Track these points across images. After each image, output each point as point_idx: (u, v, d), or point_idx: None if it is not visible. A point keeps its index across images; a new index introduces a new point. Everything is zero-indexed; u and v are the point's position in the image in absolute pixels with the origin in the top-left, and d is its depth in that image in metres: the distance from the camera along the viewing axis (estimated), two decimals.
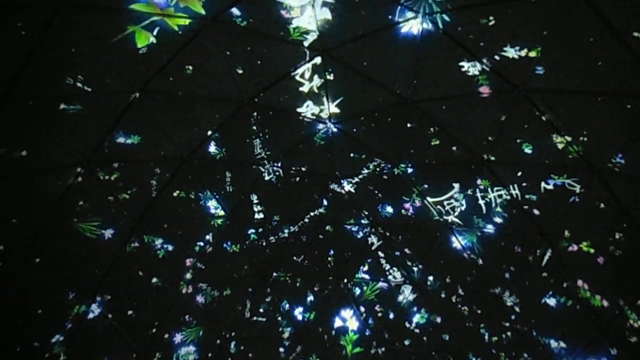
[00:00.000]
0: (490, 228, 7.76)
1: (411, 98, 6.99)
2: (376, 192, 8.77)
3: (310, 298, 9.41)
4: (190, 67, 6.41)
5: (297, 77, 6.92)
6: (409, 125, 7.51)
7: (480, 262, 8.08)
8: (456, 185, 7.80)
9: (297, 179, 8.89)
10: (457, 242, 8.16)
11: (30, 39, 4.84)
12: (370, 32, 6.28)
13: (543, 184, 6.76)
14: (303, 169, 8.82)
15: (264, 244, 9.20)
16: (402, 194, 8.47)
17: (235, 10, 5.95)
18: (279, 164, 8.49)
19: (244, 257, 9.05)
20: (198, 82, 6.68)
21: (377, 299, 9.14)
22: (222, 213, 8.44)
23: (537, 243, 7.22)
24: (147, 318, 7.82)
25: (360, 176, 8.57)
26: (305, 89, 7.04)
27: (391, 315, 9.05)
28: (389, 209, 8.79)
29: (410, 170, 8.18)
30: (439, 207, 8.11)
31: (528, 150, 6.65)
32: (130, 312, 7.54)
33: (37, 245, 6.21)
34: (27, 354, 6.35)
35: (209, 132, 7.55)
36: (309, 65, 6.77)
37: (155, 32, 5.58)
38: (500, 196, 7.40)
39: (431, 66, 6.51)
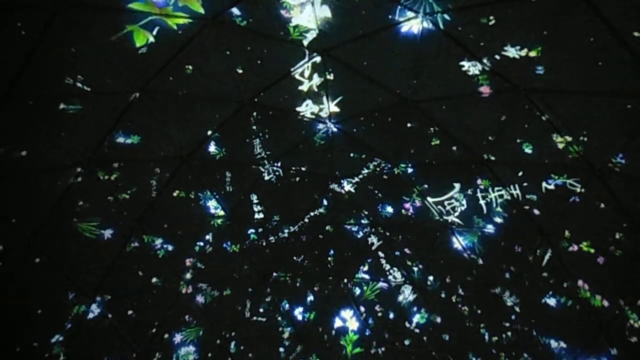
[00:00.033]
0: (490, 228, 7.76)
1: (411, 98, 6.99)
2: (376, 192, 8.77)
3: (310, 298, 9.41)
4: (190, 67, 6.40)
5: (297, 76, 6.91)
6: (409, 125, 7.51)
7: (481, 262, 8.07)
8: (457, 185, 7.80)
9: (297, 179, 8.89)
10: (458, 242, 8.16)
11: (30, 39, 4.83)
12: (370, 32, 6.28)
13: (544, 184, 6.76)
14: (303, 169, 8.82)
15: (264, 244, 9.20)
16: (402, 193, 8.47)
17: (235, 10, 5.95)
18: (279, 164, 8.49)
19: (244, 257, 9.05)
20: (198, 82, 6.68)
21: (377, 299, 9.14)
22: (222, 213, 8.44)
23: (537, 243, 7.22)
24: (147, 318, 7.82)
25: (360, 176, 8.57)
26: (304, 87, 7.04)
27: (391, 315, 9.05)
28: (389, 209, 8.79)
29: (410, 170, 8.18)
30: (439, 207, 8.11)
31: (528, 150, 6.65)
32: (130, 312, 7.54)
33: (37, 245, 6.20)
34: (27, 354, 6.35)
35: (209, 132, 7.55)
36: (309, 63, 6.77)
37: (155, 32, 5.57)
38: (500, 196, 7.40)
39: (431, 66, 6.50)
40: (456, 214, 7.99)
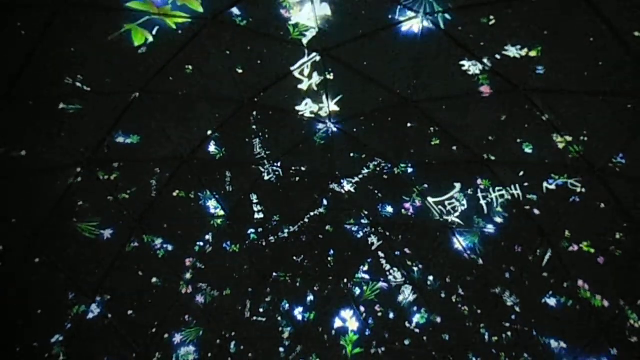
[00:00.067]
0: (490, 228, 7.76)
1: (411, 98, 6.99)
2: (376, 192, 8.77)
3: (310, 298, 9.41)
4: (190, 67, 6.40)
5: (297, 74, 6.90)
6: (409, 125, 7.51)
7: (481, 262, 8.07)
8: (457, 185, 7.80)
9: (297, 179, 8.89)
10: (458, 242, 8.16)
11: (30, 39, 4.84)
12: (371, 32, 6.28)
13: (545, 184, 6.75)
14: (303, 169, 8.81)
15: (264, 244, 9.20)
16: (402, 193, 8.47)
17: (235, 10, 5.95)
18: (279, 164, 8.49)
19: (244, 257, 9.05)
20: (198, 82, 6.68)
21: (377, 299, 9.13)
22: (222, 213, 8.44)
23: (538, 243, 7.22)
24: (147, 318, 7.81)
25: (360, 176, 8.57)
26: (304, 86, 7.03)
27: (391, 315, 9.05)
28: (389, 209, 8.79)
29: (410, 170, 8.18)
30: (439, 207, 8.11)
31: (528, 150, 6.65)
32: (130, 312, 7.53)
33: (37, 245, 6.20)
34: (26, 354, 6.34)
35: (209, 132, 7.55)
36: (309, 63, 6.76)
37: (154, 32, 5.57)
38: (501, 196, 7.40)
39: (431, 66, 6.50)
40: (456, 214, 7.99)
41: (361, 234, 9.20)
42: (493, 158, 7.20)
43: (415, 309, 8.83)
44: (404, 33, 6.14)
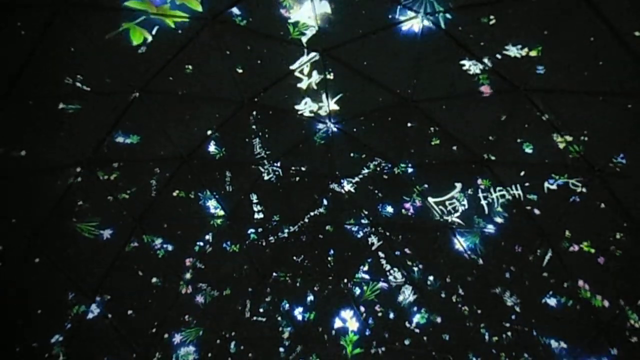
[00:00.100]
0: (490, 228, 7.76)
1: (411, 98, 6.98)
2: (376, 192, 8.76)
3: (310, 298, 9.40)
4: (190, 67, 6.40)
5: (297, 73, 6.90)
6: (409, 125, 7.51)
7: (481, 262, 8.07)
8: (458, 185, 7.80)
9: (297, 179, 8.88)
10: (458, 242, 8.15)
11: (30, 39, 4.84)
12: (371, 31, 6.27)
13: (546, 184, 6.75)
14: (303, 169, 8.81)
15: (264, 244, 9.20)
16: (402, 193, 8.47)
17: (235, 10, 5.95)
18: (279, 164, 8.49)
19: (244, 257, 9.05)
20: (198, 82, 6.68)
21: (377, 299, 9.13)
22: (222, 213, 8.44)
23: (538, 243, 7.22)
24: (147, 318, 7.81)
25: (360, 176, 8.57)
26: (303, 85, 7.03)
27: (391, 316, 9.04)
28: (389, 209, 8.79)
29: (410, 170, 8.18)
30: (440, 207, 8.11)
31: (528, 150, 6.64)
32: (130, 312, 7.53)
33: (37, 245, 6.20)
34: (27, 354, 6.34)
35: (209, 132, 7.54)
36: (309, 63, 6.76)
37: (154, 31, 5.57)
38: (501, 196, 7.39)
39: (431, 66, 6.50)
40: (457, 214, 7.98)
41: (361, 234, 9.20)
42: (493, 158, 7.20)
43: (415, 309, 8.83)
44: (404, 33, 6.14)
